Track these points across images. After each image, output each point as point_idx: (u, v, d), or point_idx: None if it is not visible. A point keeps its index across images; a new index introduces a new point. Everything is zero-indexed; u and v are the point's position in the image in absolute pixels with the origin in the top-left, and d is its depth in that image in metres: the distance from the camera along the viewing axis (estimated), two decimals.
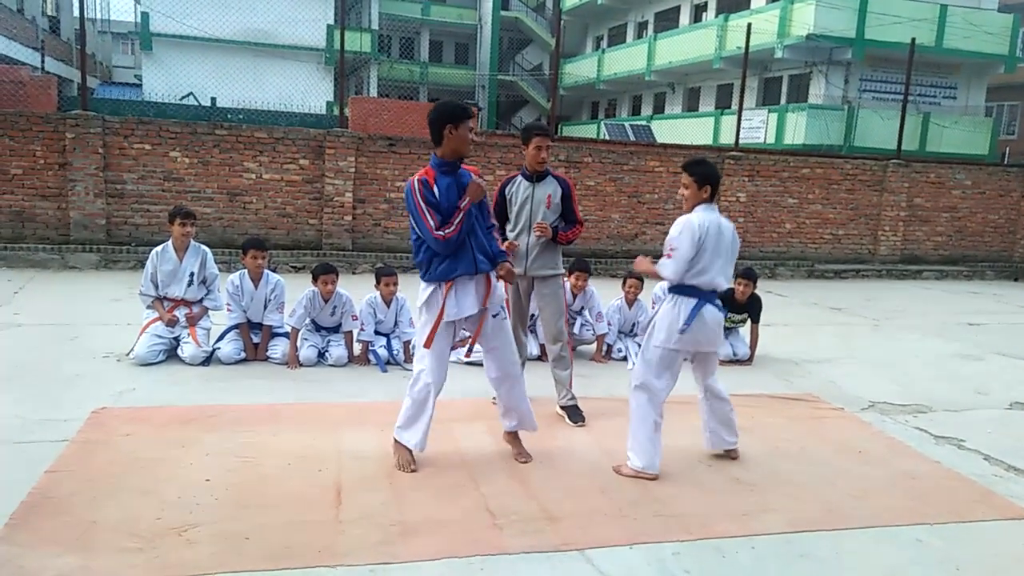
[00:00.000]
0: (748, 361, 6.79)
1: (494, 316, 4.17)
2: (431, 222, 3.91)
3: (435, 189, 3.95)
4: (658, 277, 4.30)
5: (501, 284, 4.24)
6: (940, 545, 3.55)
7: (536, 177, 4.96)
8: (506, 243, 4.80)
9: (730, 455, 4.46)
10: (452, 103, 4.09)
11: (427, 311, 4.06)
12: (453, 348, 6.31)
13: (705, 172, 4.16)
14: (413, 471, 4.03)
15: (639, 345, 6.74)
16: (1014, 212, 14.60)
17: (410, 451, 4.11)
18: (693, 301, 4.13)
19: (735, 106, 16.13)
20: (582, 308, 6.67)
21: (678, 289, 4.16)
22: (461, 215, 3.93)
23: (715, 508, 3.82)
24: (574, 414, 4.99)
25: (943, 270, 13.91)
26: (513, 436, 4.39)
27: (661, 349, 4.20)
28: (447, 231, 3.91)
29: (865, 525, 3.71)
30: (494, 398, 4.45)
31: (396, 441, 4.16)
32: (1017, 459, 4.72)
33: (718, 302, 4.25)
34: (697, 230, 4.05)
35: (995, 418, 5.58)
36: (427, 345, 4.03)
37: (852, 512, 3.85)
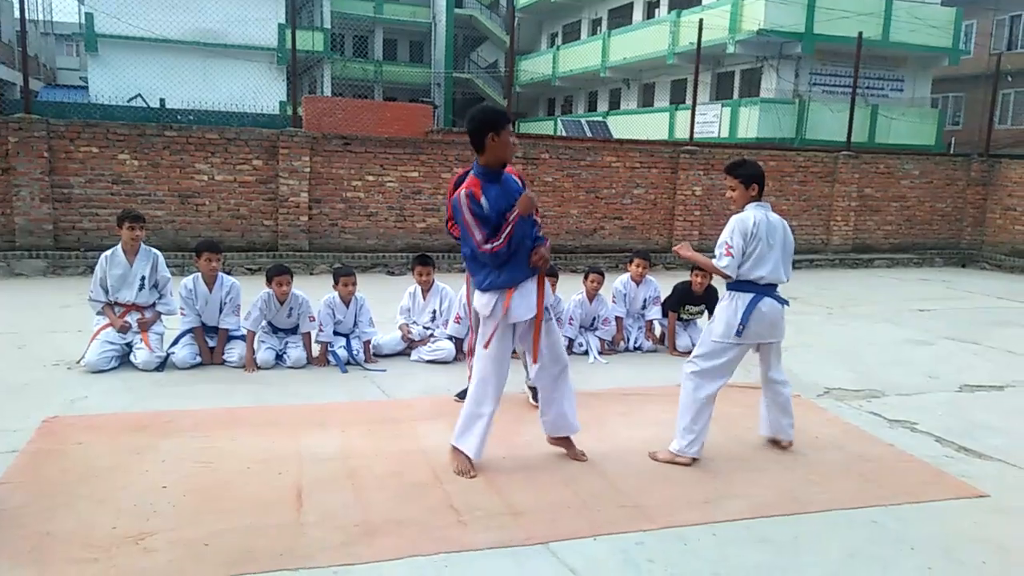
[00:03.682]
0: None
1: (547, 321, 4.16)
2: (478, 236, 3.88)
3: (483, 201, 3.88)
4: (702, 266, 4.49)
5: (549, 284, 4.23)
6: (895, 526, 3.63)
7: None
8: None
9: (780, 445, 4.54)
10: (490, 109, 4.10)
11: (490, 316, 4.00)
12: (413, 346, 6.36)
13: (749, 172, 4.27)
14: (472, 478, 3.98)
15: (600, 339, 6.83)
16: (960, 200, 14.98)
17: (469, 458, 4.06)
18: (749, 296, 4.22)
19: (689, 101, 16.30)
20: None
21: (736, 286, 4.26)
22: (510, 228, 3.87)
23: (677, 497, 3.86)
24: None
25: (893, 258, 14.23)
26: (566, 439, 4.35)
27: (719, 343, 4.26)
28: (495, 244, 3.86)
29: (822, 508, 3.78)
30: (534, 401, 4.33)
31: (454, 448, 4.10)
32: (968, 440, 4.85)
33: (777, 293, 4.31)
34: (749, 225, 4.17)
35: (946, 401, 5.72)
36: (486, 346, 3.99)
37: (810, 496, 3.92)
